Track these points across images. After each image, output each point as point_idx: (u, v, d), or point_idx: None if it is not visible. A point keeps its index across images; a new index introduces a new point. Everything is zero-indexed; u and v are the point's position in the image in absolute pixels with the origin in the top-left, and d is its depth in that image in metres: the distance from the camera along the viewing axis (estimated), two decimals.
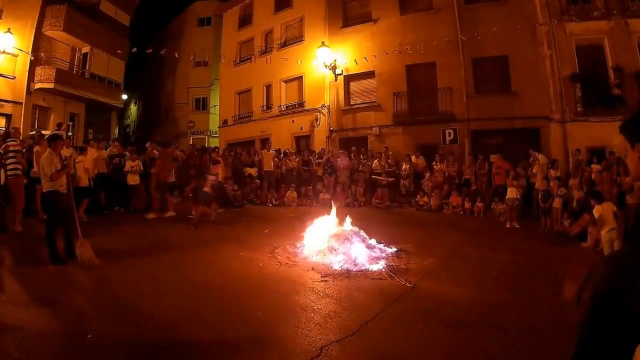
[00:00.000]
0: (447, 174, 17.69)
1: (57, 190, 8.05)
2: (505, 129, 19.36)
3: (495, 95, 20.06)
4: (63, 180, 8.19)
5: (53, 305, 5.74)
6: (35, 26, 23.99)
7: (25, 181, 11.31)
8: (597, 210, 9.49)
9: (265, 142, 23.65)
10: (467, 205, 16.14)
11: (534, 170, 15.48)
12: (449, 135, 20.67)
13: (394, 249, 9.23)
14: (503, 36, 18.75)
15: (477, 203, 15.88)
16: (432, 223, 13.90)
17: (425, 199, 17.11)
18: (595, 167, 14.68)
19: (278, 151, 21.25)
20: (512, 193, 14.07)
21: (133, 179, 14.92)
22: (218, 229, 12.26)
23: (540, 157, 15.72)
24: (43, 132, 16.74)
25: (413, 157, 18.97)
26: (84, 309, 5.70)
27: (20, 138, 13.53)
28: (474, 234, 12.40)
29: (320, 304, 6.12)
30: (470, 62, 20.62)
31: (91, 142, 15.77)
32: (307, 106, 25.97)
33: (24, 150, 11.97)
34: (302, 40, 26.70)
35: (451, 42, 20.20)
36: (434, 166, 18.09)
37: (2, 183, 10.82)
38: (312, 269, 7.85)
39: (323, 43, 23.60)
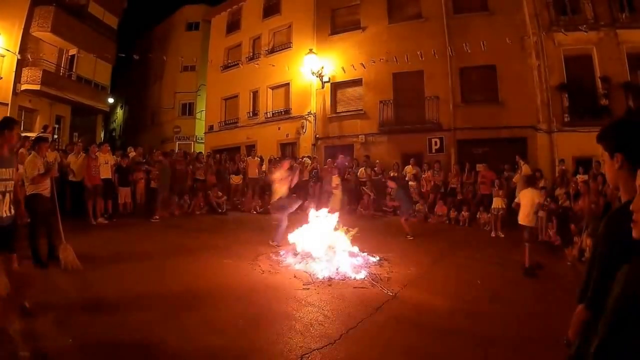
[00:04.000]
0: (432, 183, 17.67)
1: (40, 193, 8.01)
2: (491, 138, 19.35)
3: (482, 104, 20.11)
4: (47, 183, 8.16)
5: (34, 308, 5.62)
6: (23, 27, 23.84)
7: None
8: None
9: (250, 148, 23.58)
10: (453, 214, 16.15)
11: (514, 180, 15.50)
12: (435, 144, 20.67)
13: (377, 258, 9.22)
14: (491, 46, 18.71)
15: (463, 212, 15.86)
16: (416, 232, 13.85)
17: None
18: (580, 177, 14.69)
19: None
20: (497, 203, 14.09)
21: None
22: (201, 236, 12.16)
23: (524, 168, 15.71)
24: (27, 134, 16.54)
25: (409, 166, 18.86)
26: (64, 312, 5.58)
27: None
28: (458, 243, 12.40)
29: (301, 312, 6.10)
30: (457, 71, 20.64)
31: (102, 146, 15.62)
32: (294, 113, 25.94)
33: None
34: (290, 46, 26.68)
35: (439, 51, 20.16)
36: (422, 175, 18.07)
37: None
38: (295, 276, 7.83)
39: (311, 50, 23.60)
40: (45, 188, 8.14)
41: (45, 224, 8.09)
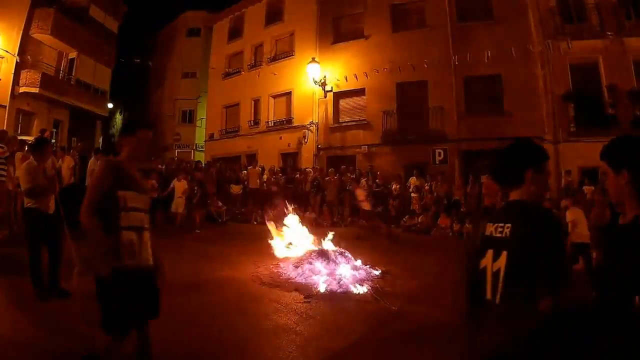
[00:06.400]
0: (435, 194, 17.44)
1: (37, 208, 6.37)
2: (496, 149, 19.08)
3: (487, 114, 19.98)
4: (48, 199, 6.56)
5: (28, 319, 5.52)
6: (22, 28, 23.69)
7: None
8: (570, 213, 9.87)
9: (251, 158, 23.41)
10: (456, 227, 15.87)
11: None
12: (439, 155, 20.49)
13: (379, 271, 9.00)
14: (496, 55, 18.56)
15: (466, 224, 15.59)
16: (419, 244, 13.63)
17: (414, 219, 16.89)
18: (587, 188, 14.53)
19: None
20: None
21: None
22: (200, 246, 11.96)
23: None
24: (24, 138, 16.28)
25: (413, 178, 18.75)
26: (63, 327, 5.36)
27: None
28: (461, 256, 12.14)
29: (302, 326, 5.97)
30: (462, 81, 20.56)
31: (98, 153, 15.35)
32: (295, 123, 25.76)
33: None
34: (292, 55, 26.58)
35: (443, 60, 20.03)
36: (425, 187, 17.89)
37: None
38: (296, 289, 7.65)
39: (313, 59, 23.47)
40: (47, 205, 6.50)
41: (48, 248, 6.53)
